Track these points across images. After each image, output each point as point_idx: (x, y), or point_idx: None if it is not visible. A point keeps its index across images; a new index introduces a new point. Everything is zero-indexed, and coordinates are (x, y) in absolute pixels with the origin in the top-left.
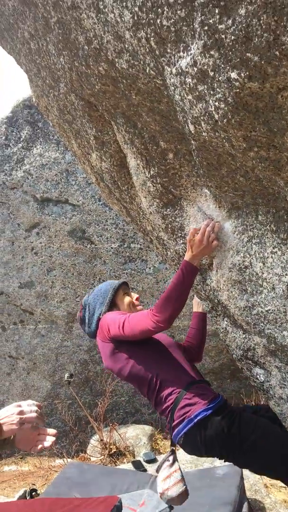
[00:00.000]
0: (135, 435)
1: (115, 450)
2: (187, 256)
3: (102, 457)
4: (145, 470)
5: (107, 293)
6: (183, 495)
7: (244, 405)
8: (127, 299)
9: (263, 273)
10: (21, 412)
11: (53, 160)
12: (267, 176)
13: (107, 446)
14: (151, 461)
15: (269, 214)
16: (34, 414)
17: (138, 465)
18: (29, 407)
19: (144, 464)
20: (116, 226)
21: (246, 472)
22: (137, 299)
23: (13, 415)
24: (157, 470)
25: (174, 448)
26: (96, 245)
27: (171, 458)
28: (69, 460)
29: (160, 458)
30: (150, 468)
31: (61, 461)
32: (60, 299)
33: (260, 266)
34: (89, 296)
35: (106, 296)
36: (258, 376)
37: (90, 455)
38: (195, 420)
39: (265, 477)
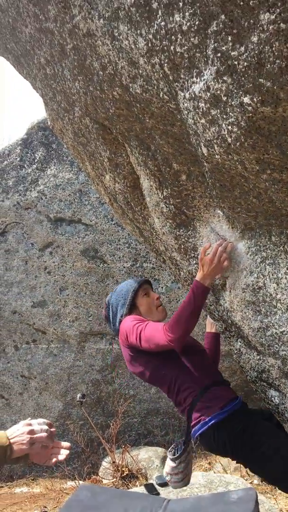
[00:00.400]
0: (148, 457)
1: (127, 472)
2: (198, 276)
3: (114, 479)
4: (158, 494)
5: (128, 294)
6: (184, 483)
7: (263, 410)
8: (147, 300)
9: (277, 294)
10: (31, 432)
11: (67, 180)
12: (280, 197)
13: (119, 468)
14: (164, 484)
15: (282, 235)
16: (44, 434)
17: (151, 489)
18: (40, 426)
19: (157, 487)
20: (129, 246)
21: (261, 497)
22: (157, 298)
23: (24, 434)
24: (169, 455)
25: (188, 442)
26: (108, 264)
27: (178, 460)
28: (80, 482)
29: None
30: (163, 492)
31: (73, 483)
32: (72, 318)
33: (274, 287)
34: (112, 295)
35: (126, 298)
36: (273, 399)
37: (102, 477)
38: (209, 423)
39: (280, 502)
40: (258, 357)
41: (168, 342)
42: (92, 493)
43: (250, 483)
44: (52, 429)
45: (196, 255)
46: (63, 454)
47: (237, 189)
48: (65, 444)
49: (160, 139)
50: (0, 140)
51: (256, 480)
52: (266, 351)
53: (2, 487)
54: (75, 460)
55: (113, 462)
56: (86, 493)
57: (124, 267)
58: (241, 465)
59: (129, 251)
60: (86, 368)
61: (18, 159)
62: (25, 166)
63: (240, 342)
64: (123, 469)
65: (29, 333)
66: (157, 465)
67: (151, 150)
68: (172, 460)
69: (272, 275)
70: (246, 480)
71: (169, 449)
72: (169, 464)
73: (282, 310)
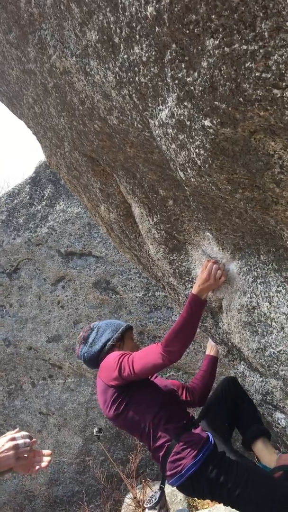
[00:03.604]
0: (171, 491)
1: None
2: (195, 289)
3: None
4: None
5: (121, 326)
6: None
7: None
8: (132, 343)
9: (270, 313)
10: (15, 447)
11: (76, 215)
12: (259, 216)
13: (140, 504)
14: None
15: (270, 253)
16: (28, 448)
17: None
18: (23, 439)
19: None
20: (140, 275)
21: None
22: (138, 347)
23: (10, 450)
24: (147, 506)
25: (163, 487)
26: (121, 295)
27: (157, 507)
28: None
29: None
30: None
31: None
32: None
33: (267, 306)
34: (101, 322)
35: (119, 328)
36: (279, 421)
37: None
38: (186, 475)
39: None
40: (261, 379)
41: (167, 356)
42: None
43: None
44: (33, 440)
45: (191, 279)
46: (44, 461)
47: (219, 210)
48: (46, 451)
49: (143, 166)
50: (15, 179)
51: None
52: (267, 372)
53: None
54: (98, 498)
55: (134, 497)
56: None
57: (136, 297)
58: None
59: (140, 280)
60: None
61: (27, 197)
62: (35, 203)
63: (243, 364)
64: (145, 505)
65: (45, 369)
66: (180, 499)
67: (137, 178)
68: (150, 509)
69: (264, 293)
70: None
71: (146, 500)
72: None
73: (277, 329)
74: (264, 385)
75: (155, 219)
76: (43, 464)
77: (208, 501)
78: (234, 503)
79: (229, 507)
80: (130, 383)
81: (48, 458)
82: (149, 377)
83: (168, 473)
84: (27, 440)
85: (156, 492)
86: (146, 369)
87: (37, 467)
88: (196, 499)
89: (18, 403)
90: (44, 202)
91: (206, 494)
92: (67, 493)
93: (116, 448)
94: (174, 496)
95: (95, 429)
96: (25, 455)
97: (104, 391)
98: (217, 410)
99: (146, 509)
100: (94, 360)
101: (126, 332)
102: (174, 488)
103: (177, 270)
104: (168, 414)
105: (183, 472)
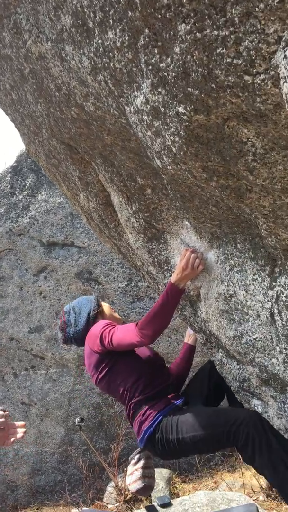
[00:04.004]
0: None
1: (130, 496)
2: (173, 278)
3: (118, 503)
4: None
5: (90, 297)
6: (145, 490)
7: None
8: (107, 306)
9: (247, 301)
10: None
11: (58, 205)
12: (234, 204)
13: (122, 492)
14: (166, 505)
15: (246, 241)
16: (1, 420)
17: (152, 510)
18: None
19: (158, 508)
20: (123, 266)
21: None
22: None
23: None
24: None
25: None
26: (103, 285)
27: (136, 456)
28: (84, 508)
29: (175, 501)
30: None
31: (77, 510)
32: None
33: (244, 294)
34: (72, 303)
35: (91, 299)
36: (256, 408)
37: (106, 502)
38: (144, 437)
39: None
40: (238, 367)
41: (140, 338)
42: None
43: (255, 499)
44: (6, 413)
45: (169, 268)
46: (19, 432)
47: (196, 198)
48: (20, 423)
49: (121, 154)
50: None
51: (261, 496)
52: (243, 359)
53: None
54: (80, 487)
55: (116, 486)
56: None
57: (119, 287)
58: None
59: (123, 271)
60: (86, 391)
61: (8, 186)
62: (16, 193)
63: (221, 352)
64: (126, 492)
65: (27, 359)
66: (162, 487)
67: (115, 166)
68: (132, 457)
69: (241, 282)
70: (251, 497)
71: (129, 458)
72: (130, 464)
73: (253, 317)
74: (241, 372)
75: (133, 208)
76: (18, 435)
77: (189, 488)
78: (185, 451)
79: (208, 495)
80: (112, 351)
81: (23, 429)
82: None
83: (137, 434)
84: (0, 412)
85: (134, 454)
86: (123, 345)
87: (13, 439)
88: (177, 485)
89: (0, 394)
90: (25, 192)
91: (163, 454)
92: (49, 482)
93: (99, 437)
94: (156, 483)
95: (77, 419)
96: (1, 427)
97: (90, 356)
98: (203, 377)
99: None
100: (84, 336)
101: (98, 299)
102: (156, 476)
103: (156, 259)
104: (146, 382)
105: (142, 434)
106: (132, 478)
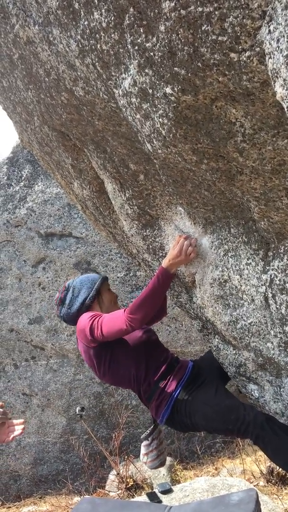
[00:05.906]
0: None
1: (132, 483)
2: (165, 263)
3: (120, 491)
4: (160, 501)
5: (95, 280)
6: (160, 465)
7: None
8: (110, 294)
9: (241, 286)
10: None
11: (55, 195)
12: (226, 187)
13: (123, 480)
14: (167, 491)
15: (239, 226)
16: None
17: (153, 497)
18: None
19: (159, 495)
20: (121, 256)
21: (265, 497)
22: (116, 297)
23: None
24: (141, 442)
25: (156, 425)
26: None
27: (150, 438)
28: (86, 496)
29: (175, 488)
30: (165, 499)
31: (79, 498)
32: (70, 332)
33: (238, 279)
34: (75, 280)
35: (94, 283)
36: (253, 393)
37: (108, 490)
38: (163, 419)
39: (287, 501)
40: (234, 352)
41: (129, 323)
42: (92, 505)
43: (256, 485)
44: (1, 403)
45: (164, 254)
46: (18, 429)
47: (188, 183)
48: (19, 421)
49: (112, 140)
50: None
51: (262, 482)
52: (239, 344)
53: (10, 507)
54: (82, 476)
55: (118, 474)
56: (87, 506)
57: (117, 277)
58: (246, 469)
59: (121, 260)
60: (87, 381)
61: (5, 177)
62: (13, 184)
63: (217, 338)
64: (128, 480)
65: (28, 350)
66: (163, 474)
67: (108, 153)
68: (145, 438)
69: (235, 267)
70: (252, 482)
71: (142, 436)
72: (144, 444)
73: (248, 301)
74: (237, 357)
75: (127, 195)
76: (17, 433)
77: (190, 474)
78: (202, 426)
79: (208, 480)
80: (106, 342)
81: (22, 426)
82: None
83: (155, 417)
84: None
85: (148, 435)
86: (112, 332)
87: (12, 436)
88: (178, 472)
89: (1, 385)
90: (22, 183)
91: (182, 430)
92: (51, 472)
93: (100, 426)
94: (158, 471)
95: (78, 408)
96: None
97: (86, 351)
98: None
99: (142, 444)
100: (75, 319)
101: (102, 285)
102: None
103: (150, 246)
104: (149, 364)
105: (160, 417)
106: (149, 458)
